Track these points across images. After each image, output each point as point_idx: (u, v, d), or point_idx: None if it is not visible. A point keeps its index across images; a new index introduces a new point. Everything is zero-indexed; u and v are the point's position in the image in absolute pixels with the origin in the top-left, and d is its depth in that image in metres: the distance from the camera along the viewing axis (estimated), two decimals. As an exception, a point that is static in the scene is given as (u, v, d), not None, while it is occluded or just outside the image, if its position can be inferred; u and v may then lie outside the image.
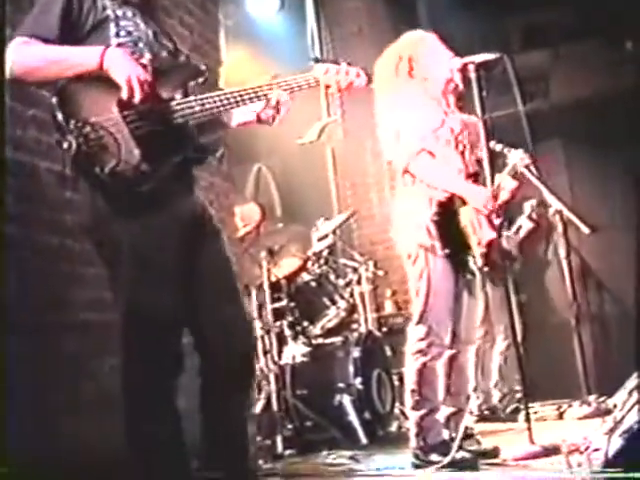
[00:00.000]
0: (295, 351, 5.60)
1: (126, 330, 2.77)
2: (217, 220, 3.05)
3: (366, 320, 5.86)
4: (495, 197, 4.05)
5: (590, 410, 5.23)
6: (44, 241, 3.92)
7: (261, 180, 6.96)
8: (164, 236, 2.76)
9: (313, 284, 5.89)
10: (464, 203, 4.03)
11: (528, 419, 3.98)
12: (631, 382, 4.43)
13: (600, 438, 3.69)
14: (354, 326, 5.82)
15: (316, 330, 5.76)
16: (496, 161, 4.33)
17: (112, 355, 4.10)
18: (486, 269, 4.04)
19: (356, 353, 5.49)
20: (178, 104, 2.83)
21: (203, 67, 2.97)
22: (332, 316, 5.78)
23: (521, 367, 4.37)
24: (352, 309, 5.88)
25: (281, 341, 5.62)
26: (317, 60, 3.46)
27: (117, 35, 2.85)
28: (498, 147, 4.48)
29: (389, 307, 6.80)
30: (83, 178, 2.69)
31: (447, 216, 4.01)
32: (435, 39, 4.25)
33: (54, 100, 2.68)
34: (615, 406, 4.74)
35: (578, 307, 6.42)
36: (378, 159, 4.23)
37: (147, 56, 2.89)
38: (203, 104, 2.84)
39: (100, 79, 2.73)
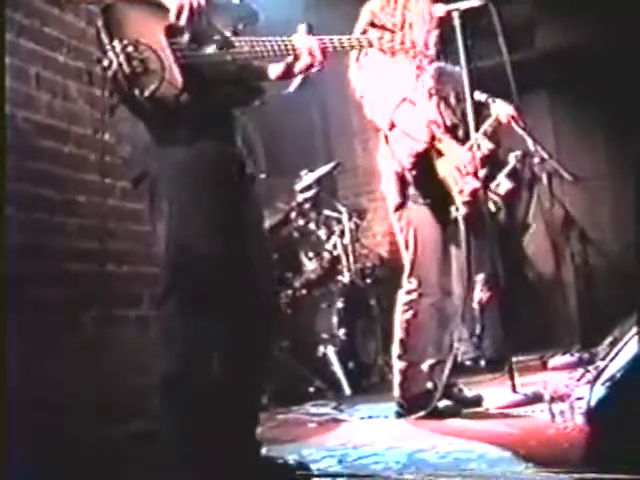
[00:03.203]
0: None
1: (168, 264, 2.68)
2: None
3: (349, 271, 5.85)
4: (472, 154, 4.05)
5: (573, 360, 5.25)
6: (23, 191, 3.87)
7: (245, 131, 6.91)
8: (201, 172, 2.68)
9: (296, 235, 5.88)
10: (440, 154, 4.02)
11: (511, 368, 4.00)
12: (615, 332, 4.46)
13: (583, 387, 3.72)
14: (338, 277, 5.81)
15: (300, 282, 5.76)
16: (481, 111, 4.30)
17: (94, 306, 4.13)
18: (469, 218, 4.04)
19: (340, 304, 5.50)
20: (228, 41, 2.75)
21: (257, 10, 2.90)
22: (315, 268, 5.78)
23: (504, 317, 4.39)
24: (335, 260, 5.87)
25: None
26: (373, 25, 3.41)
27: None
28: (483, 97, 4.44)
29: (373, 258, 6.78)
30: (121, 100, 2.59)
31: (425, 167, 4.00)
32: None
33: (99, 17, 2.58)
34: (596, 355, 4.77)
35: (562, 258, 6.45)
36: (361, 110, 4.18)
37: None
38: (252, 46, 2.78)
39: (149, 3, 2.66)
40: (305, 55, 2.91)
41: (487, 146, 4.18)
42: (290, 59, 2.95)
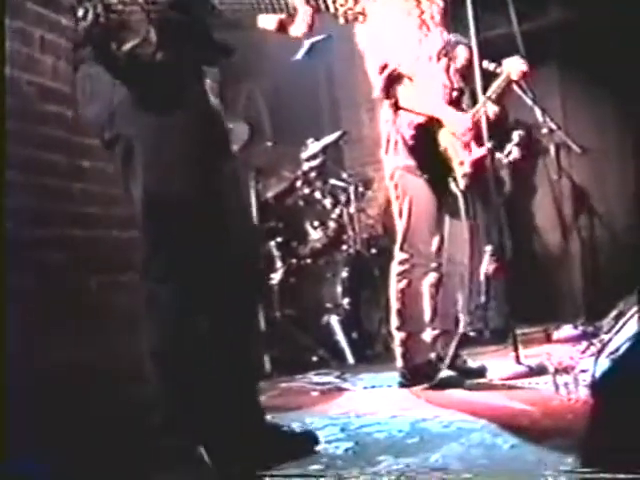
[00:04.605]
0: (283, 272, 5.58)
1: (147, 228, 2.61)
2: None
3: (355, 241, 5.83)
4: (477, 122, 4.01)
5: (577, 333, 5.24)
6: (27, 155, 3.84)
7: (252, 99, 6.87)
8: (177, 134, 2.55)
9: (301, 204, 5.86)
10: (442, 125, 3.98)
11: (515, 340, 3.99)
12: (620, 305, 4.45)
13: (587, 359, 3.72)
14: (343, 247, 5.80)
15: (305, 251, 5.75)
16: (490, 81, 4.24)
17: (99, 272, 4.12)
18: (471, 189, 4.02)
19: (344, 273, 5.49)
20: None
21: None
22: (321, 237, 5.76)
23: (509, 289, 4.37)
24: (341, 230, 5.85)
25: (270, 262, 5.61)
26: None
27: None
28: (491, 66, 4.39)
29: (378, 228, 6.76)
30: (93, 55, 2.44)
31: (425, 139, 3.97)
32: None
33: None
34: (601, 328, 4.76)
35: (568, 231, 6.43)
36: (369, 79, 4.14)
37: None
38: (222, 2, 2.64)
39: None
40: (300, 18, 2.86)
41: (493, 109, 4.13)
42: (283, 16, 2.88)
